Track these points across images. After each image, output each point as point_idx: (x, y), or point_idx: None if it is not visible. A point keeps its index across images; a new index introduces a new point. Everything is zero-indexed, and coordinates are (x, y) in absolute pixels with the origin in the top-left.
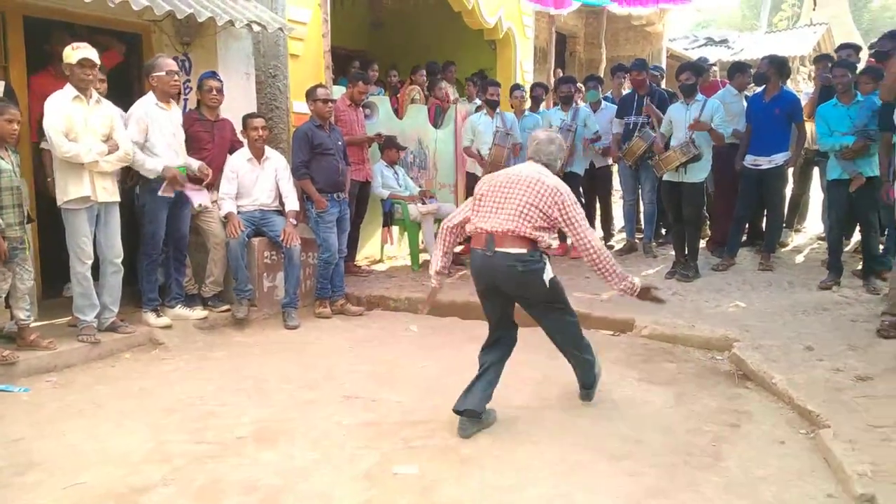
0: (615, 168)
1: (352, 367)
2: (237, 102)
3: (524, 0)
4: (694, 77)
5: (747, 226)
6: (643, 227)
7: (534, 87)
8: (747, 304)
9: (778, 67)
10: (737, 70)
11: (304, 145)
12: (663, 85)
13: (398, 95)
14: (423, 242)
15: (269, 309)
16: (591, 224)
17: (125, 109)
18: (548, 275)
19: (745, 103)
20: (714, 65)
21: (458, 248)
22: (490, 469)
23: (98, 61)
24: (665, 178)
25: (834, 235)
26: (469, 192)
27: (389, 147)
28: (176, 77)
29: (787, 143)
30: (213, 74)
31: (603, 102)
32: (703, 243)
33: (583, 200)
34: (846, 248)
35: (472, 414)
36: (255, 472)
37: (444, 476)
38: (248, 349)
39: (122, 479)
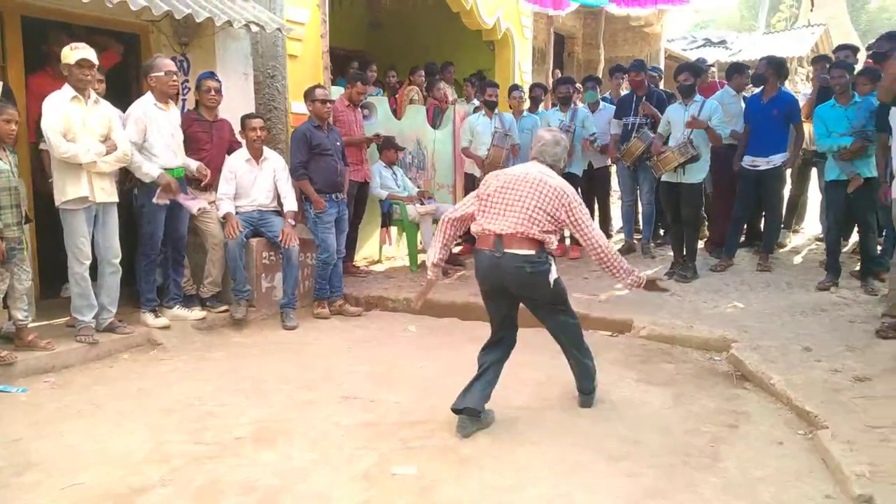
0: (613, 169)
1: (350, 367)
2: (235, 103)
3: (522, 1)
4: (692, 78)
5: (745, 226)
6: (641, 227)
7: (533, 87)
8: (745, 304)
9: (776, 68)
10: (735, 71)
11: (303, 146)
12: (661, 86)
13: (397, 96)
14: (421, 243)
15: (268, 309)
16: None
17: (123, 110)
18: (553, 276)
19: (743, 104)
20: (712, 65)
21: (457, 249)
22: (489, 469)
23: (96, 61)
24: (663, 178)
25: (832, 236)
26: (467, 192)
27: (388, 148)
28: (174, 77)
29: (786, 143)
30: (212, 75)
31: (601, 103)
32: (701, 244)
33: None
34: (844, 249)
35: (472, 412)
36: (253, 472)
37: (443, 476)
38: (246, 350)
39: (120, 479)
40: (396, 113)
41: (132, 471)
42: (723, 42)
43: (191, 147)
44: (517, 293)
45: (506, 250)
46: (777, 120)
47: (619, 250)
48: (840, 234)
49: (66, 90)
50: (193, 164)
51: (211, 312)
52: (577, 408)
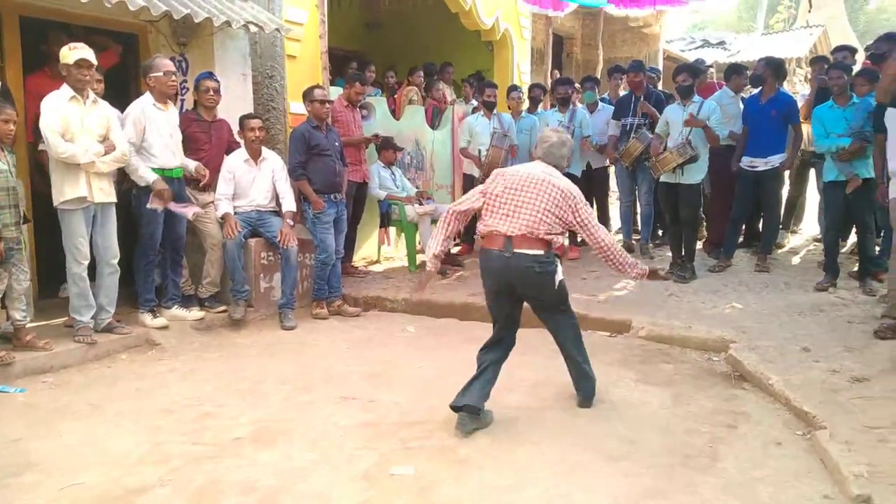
0: (612, 169)
1: (349, 367)
2: (234, 103)
3: (521, 1)
4: (691, 78)
5: (744, 227)
6: (640, 228)
7: (532, 87)
8: (744, 305)
9: (774, 69)
10: (733, 72)
11: (301, 146)
12: (660, 86)
13: (395, 96)
14: (420, 243)
15: (266, 310)
16: None
17: (122, 110)
18: (559, 276)
19: (741, 105)
20: (711, 66)
21: (455, 249)
22: (488, 469)
23: (95, 62)
24: (662, 179)
25: (830, 237)
26: (465, 192)
27: (386, 148)
28: (173, 78)
29: (784, 144)
30: (210, 75)
31: (600, 104)
32: (699, 245)
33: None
34: (842, 250)
35: (472, 409)
36: (252, 472)
37: (443, 476)
38: (244, 350)
39: (119, 479)
40: (395, 113)
41: (131, 471)
42: (721, 43)
43: (189, 147)
44: (523, 293)
45: (515, 250)
46: (775, 121)
47: None
48: (838, 235)
49: (65, 90)
50: (192, 165)
51: (209, 313)
52: (576, 408)
